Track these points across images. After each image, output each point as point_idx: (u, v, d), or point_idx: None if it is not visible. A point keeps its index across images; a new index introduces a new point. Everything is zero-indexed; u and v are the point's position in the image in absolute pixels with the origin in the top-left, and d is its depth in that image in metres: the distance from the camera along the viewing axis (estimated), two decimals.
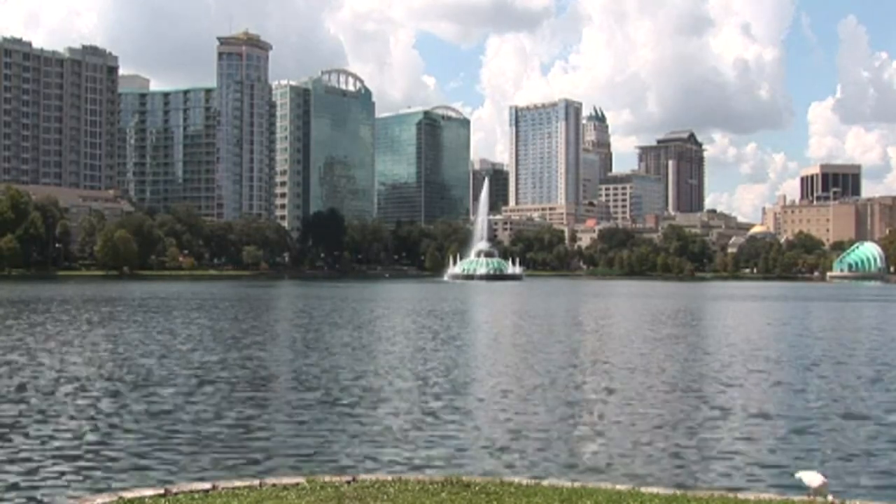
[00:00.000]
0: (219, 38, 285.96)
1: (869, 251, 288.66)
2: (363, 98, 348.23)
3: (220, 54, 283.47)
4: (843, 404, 21.84)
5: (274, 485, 10.58)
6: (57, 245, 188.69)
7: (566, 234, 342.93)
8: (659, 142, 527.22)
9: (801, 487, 11.03)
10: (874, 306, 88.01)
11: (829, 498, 10.42)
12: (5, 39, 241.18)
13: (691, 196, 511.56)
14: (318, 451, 15.67)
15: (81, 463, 14.59)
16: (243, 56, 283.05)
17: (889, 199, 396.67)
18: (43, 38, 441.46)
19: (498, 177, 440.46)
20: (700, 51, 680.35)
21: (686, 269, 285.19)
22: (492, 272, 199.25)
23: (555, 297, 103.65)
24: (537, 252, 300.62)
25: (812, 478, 10.59)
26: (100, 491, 12.11)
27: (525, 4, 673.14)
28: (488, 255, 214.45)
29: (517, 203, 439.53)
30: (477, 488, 10.48)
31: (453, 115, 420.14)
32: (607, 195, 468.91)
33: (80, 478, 13.61)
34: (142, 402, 20.81)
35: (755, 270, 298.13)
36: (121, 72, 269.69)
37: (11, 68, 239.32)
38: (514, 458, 15.47)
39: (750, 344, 39.57)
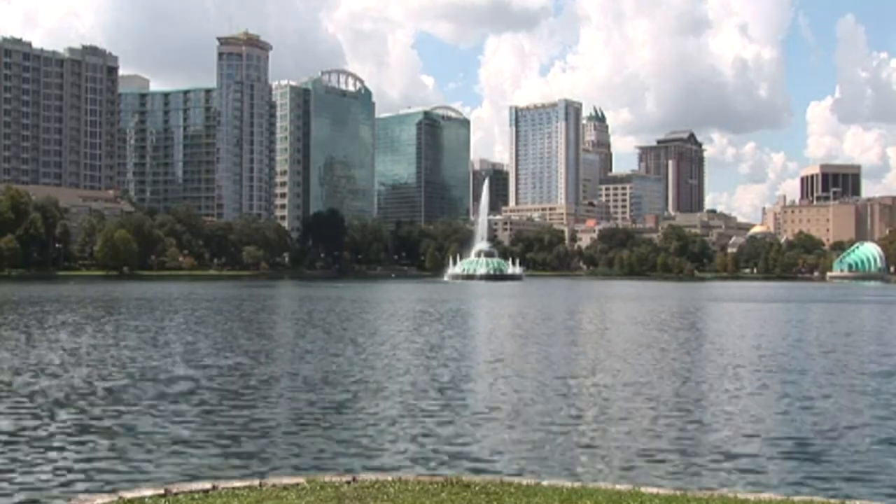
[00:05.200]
0: (219, 39, 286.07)
1: (869, 251, 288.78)
2: (363, 98, 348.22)
3: (220, 54, 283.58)
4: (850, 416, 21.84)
5: (274, 485, 10.58)
6: (57, 245, 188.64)
7: (566, 234, 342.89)
8: (659, 142, 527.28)
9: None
10: (876, 308, 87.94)
11: None
12: (5, 39, 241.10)
13: (691, 196, 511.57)
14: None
15: None
16: (243, 56, 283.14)
17: (889, 199, 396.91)
18: (41, 39, 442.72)
19: (498, 177, 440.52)
20: (699, 51, 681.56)
21: (686, 269, 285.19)
22: (492, 272, 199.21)
23: (555, 298, 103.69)
24: (537, 252, 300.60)
25: None
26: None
27: (523, 4, 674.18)
28: (488, 255, 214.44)
29: (517, 203, 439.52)
30: (477, 488, 10.49)
31: (453, 115, 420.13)
32: (607, 195, 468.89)
33: None
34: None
35: (755, 270, 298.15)
36: (121, 72, 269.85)
37: (11, 68, 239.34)
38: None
39: (760, 352, 39.54)
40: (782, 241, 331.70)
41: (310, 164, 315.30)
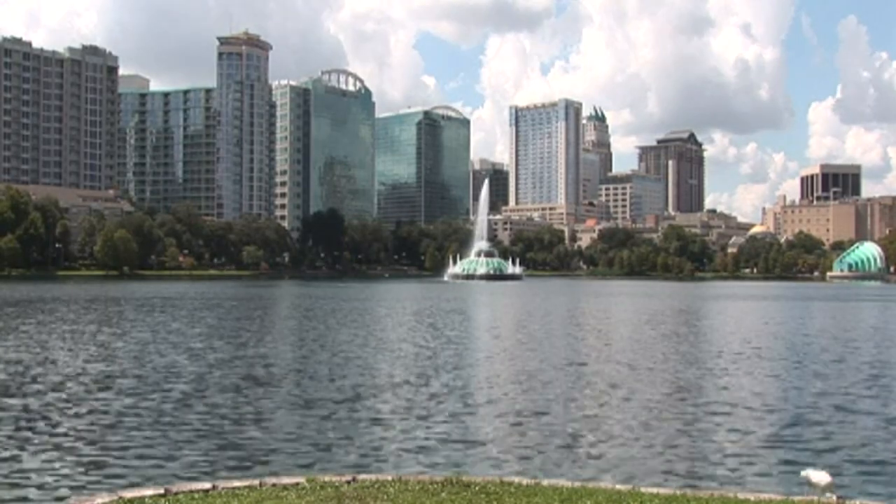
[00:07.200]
0: (219, 38, 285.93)
1: (869, 251, 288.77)
2: (363, 98, 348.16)
3: (220, 54, 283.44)
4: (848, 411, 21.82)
5: (274, 485, 10.58)
6: (57, 245, 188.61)
7: (566, 234, 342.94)
8: (659, 142, 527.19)
9: (803, 484, 10.99)
10: (878, 307, 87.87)
11: (834, 498, 10.27)
12: (5, 39, 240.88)
13: (691, 196, 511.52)
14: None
15: None
16: (243, 56, 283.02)
17: (889, 199, 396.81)
18: (43, 38, 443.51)
19: (498, 177, 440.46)
20: (700, 51, 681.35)
21: (686, 269, 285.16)
22: (492, 272, 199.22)
23: (555, 298, 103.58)
24: (537, 252, 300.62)
25: (819, 477, 10.31)
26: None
27: (525, 4, 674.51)
28: (488, 255, 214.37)
29: (517, 203, 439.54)
30: (477, 488, 10.49)
31: (453, 115, 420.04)
32: (607, 195, 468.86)
33: None
34: None
35: (755, 270, 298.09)
36: (121, 72, 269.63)
37: (11, 68, 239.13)
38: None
39: (760, 350, 39.50)
40: (782, 241, 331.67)
41: (310, 164, 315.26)
